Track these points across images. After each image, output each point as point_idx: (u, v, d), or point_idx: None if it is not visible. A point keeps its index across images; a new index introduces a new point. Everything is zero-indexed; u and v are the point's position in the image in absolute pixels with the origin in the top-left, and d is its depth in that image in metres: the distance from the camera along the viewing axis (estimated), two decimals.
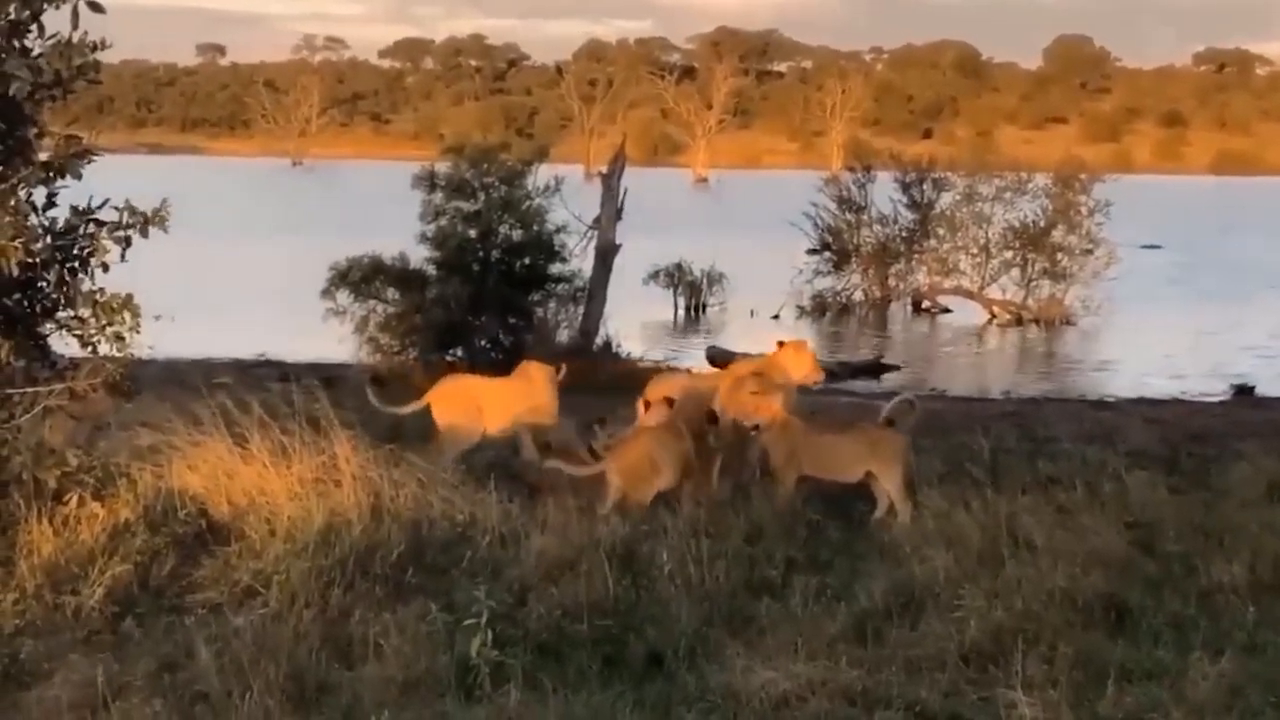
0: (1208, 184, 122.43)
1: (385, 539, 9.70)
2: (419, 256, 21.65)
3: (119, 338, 10.20)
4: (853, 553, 10.43)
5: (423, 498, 10.52)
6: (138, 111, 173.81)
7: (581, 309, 22.41)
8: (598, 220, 22.93)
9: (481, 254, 21.56)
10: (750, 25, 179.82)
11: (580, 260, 22.70)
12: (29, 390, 10.12)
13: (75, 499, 9.93)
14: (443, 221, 21.67)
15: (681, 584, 9.44)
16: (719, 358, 23.55)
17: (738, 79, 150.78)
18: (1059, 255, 36.10)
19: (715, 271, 36.37)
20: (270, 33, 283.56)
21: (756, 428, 12.05)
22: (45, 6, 9.96)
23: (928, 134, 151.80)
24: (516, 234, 21.76)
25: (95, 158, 10.16)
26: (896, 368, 25.91)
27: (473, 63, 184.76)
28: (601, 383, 18.42)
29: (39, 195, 10.10)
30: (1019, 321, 35.46)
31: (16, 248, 9.49)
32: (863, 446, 11.71)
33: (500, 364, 18.54)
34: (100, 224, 10.15)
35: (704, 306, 36.21)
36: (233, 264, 42.82)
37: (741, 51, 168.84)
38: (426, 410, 13.21)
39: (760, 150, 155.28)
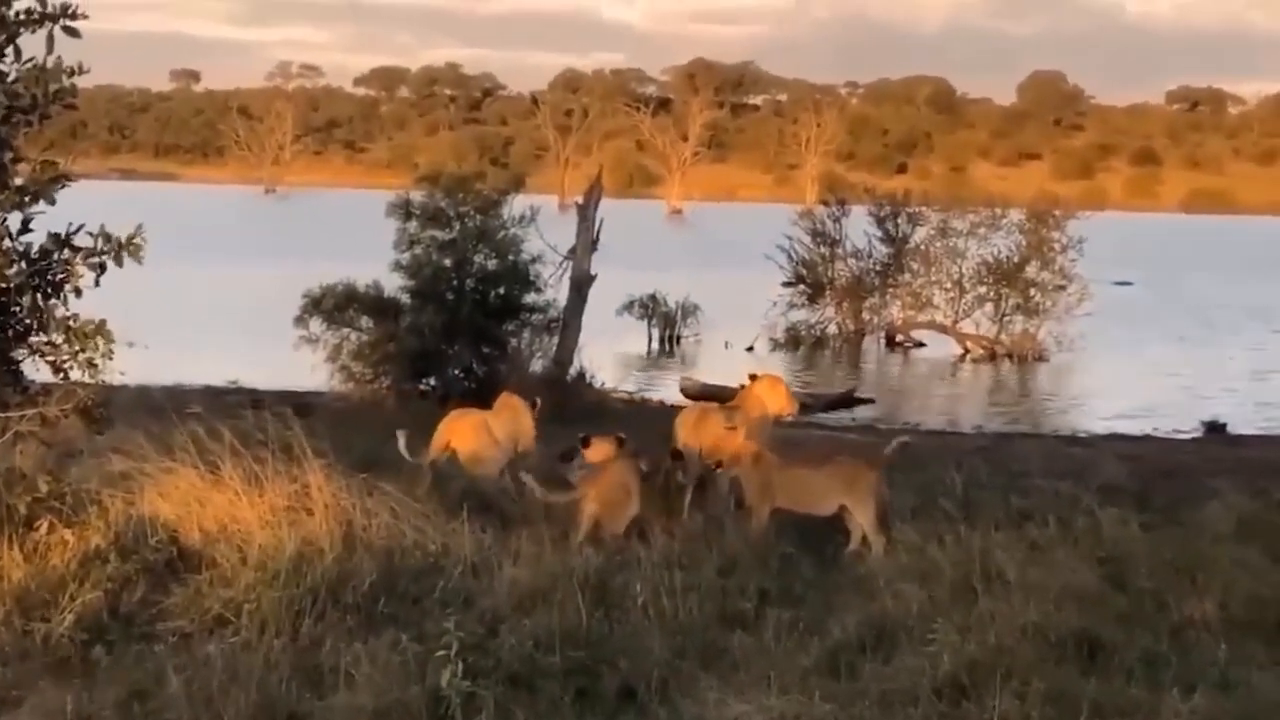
0: (1180, 222, 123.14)
1: (357, 568, 9.68)
2: (393, 285, 21.62)
3: (91, 364, 10.18)
4: (826, 586, 10.43)
5: (395, 527, 10.50)
6: (111, 137, 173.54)
7: (556, 339, 22.40)
8: (573, 250, 22.94)
9: (456, 283, 21.55)
10: (726, 58, 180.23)
11: (555, 290, 22.69)
12: (0, 415, 10.08)
13: (46, 525, 9.89)
14: (417, 250, 21.66)
15: (654, 616, 9.44)
16: (694, 390, 23.58)
17: (713, 111, 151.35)
18: (1032, 291, 36.27)
19: (689, 303, 36.44)
20: (245, 59, 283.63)
21: (719, 464, 12.14)
22: (21, 31, 9.96)
23: (902, 168, 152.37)
24: (491, 263, 21.75)
25: (70, 183, 10.15)
26: (870, 401, 25.93)
27: (448, 92, 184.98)
28: (575, 413, 18.43)
29: (13, 220, 10.09)
30: (992, 356, 35.57)
31: None
32: (836, 480, 11.73)
33: (474, 393, 18.53)
34: (75, 250, 10.14)
35: (678, 338, 36.25)
36: (205, 291, 42.75)
37: (717, 84, 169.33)
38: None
39: (735, 183, 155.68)
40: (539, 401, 13.80)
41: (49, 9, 9.90)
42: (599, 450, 12.04)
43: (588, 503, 11.48)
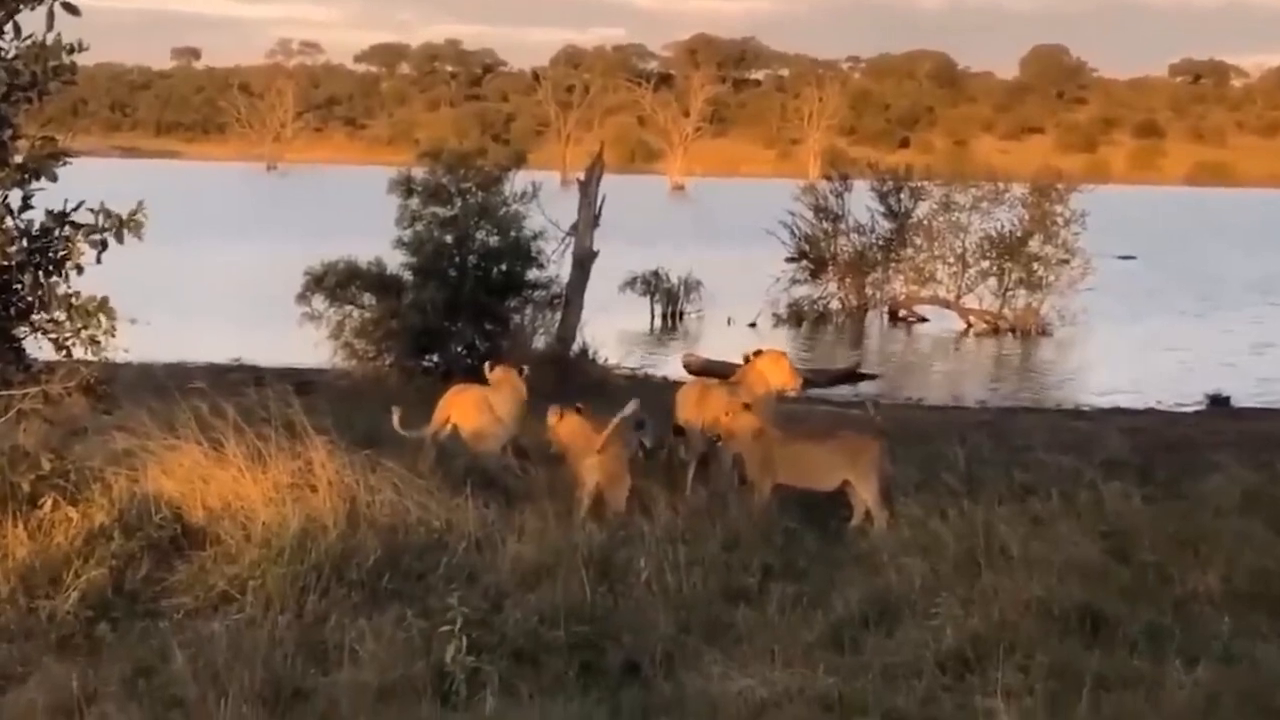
0: (1183, 195, 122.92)
1: (361, 545, 9.70)
2: (395, 262, 21.62)
3: (94, 341, 10.18)
4: (829, 561, 10.45)
5: (399, 503, 10.51)
6: (112, 114, 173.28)
7: (558, 315, 22.39)
8: (575, 227, 22.92)
9: (458, 259, 21.54)
10: (727, 33, 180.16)
11: (557, 267, 22.69)
12: (3, 393, 10.10)
13: (50, 503, 9.91)
14: (419, 227, 21.65)
15: (658, 591, 9.46)
16: (697, 366, 23.56)
17: (715, 86, 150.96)
18: (1035, 265, 36.21)
19: (692, 279, 36.39)
20: (245, 36, 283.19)
21: (718, 438, 12.17)
22: (21, 7, 9.95)
23: (904, 143, 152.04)
24: (493, 240, 21.74)
25: (70, 160, 10.15)
26: (873, 376, 25.94)
27: (449, 68, 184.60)
28: (577, 390, 18.41)
29: (14, 198, 10.10)
30: (995, 331, 35.55)
31: None
32: (840, 456, 11.73)
33: (476, 370, 18.53)
34: (76, 227, 10.14)
35: (681, 314, 36.21)
36: (208, 268, 42.73)
37: (719, 59, 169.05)
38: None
39: (737, 158, 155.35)
40: (526, 369, 13.79)
41: None
42: (569, 425, 12.01)
43: (593, 471, 11.50)
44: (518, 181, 22.22)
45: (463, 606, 8.11)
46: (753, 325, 34.37)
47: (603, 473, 11.51)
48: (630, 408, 12.03)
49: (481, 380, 13.73)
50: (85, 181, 10.44)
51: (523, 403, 13.36)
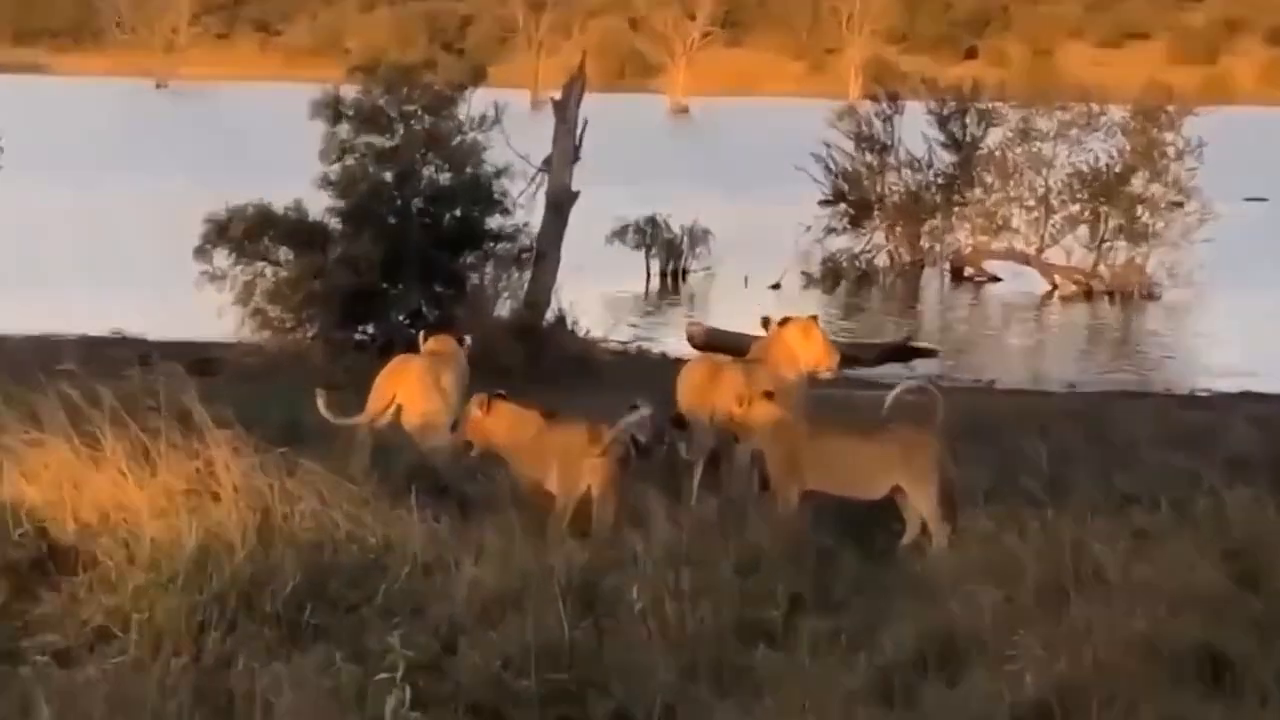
0: None
1: (276, 568, 9.71)
2: (319, 206, 21.64)
3: None
4: (875, 589, 10.47)
5: (324, 515, 10.52)
6: None
7: (528, 274, 22.40)
8: (549, 161, 22.92)
9: (399, 203, 21.59)
10: None
11: (526, 212, 22.70)
12: None
13: None
14: (350, 161, 21.70)
15: (656, 627, 9.47)
16: (703, 338, 23.57)
17: None
18: (1139, 209, 36.25)
19: (699, 228, 36.41)
20: None
21: (732, 433, 12.17)
22: None
23: (971, 53, 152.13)
24: (444, 177, 21.80)
25: None
26: (932, 352, 25.95)
27: None
28: (553, 368, 18.46)
29: None
30: (1088, 294, 35.64)
31: None
32: (889, 454, 11.71)
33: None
34: None
35: (684, 272, 36.28)
36: (81, 214, 42.70)
37: None
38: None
39: (756, 72, 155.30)
40: (468, 340, 13.82)
41: None
42: (501, 416, 12.01)
43: (586, 477, 11.49)
44: (476, 103, 22.24)
45: (406, 648, 8.12)
46: (776, 287, 34.43)
47: (600, 477, 11.49)
48: (635, 415, 12.04)
49: None
50: None
51: (466, 381, 13.35)
